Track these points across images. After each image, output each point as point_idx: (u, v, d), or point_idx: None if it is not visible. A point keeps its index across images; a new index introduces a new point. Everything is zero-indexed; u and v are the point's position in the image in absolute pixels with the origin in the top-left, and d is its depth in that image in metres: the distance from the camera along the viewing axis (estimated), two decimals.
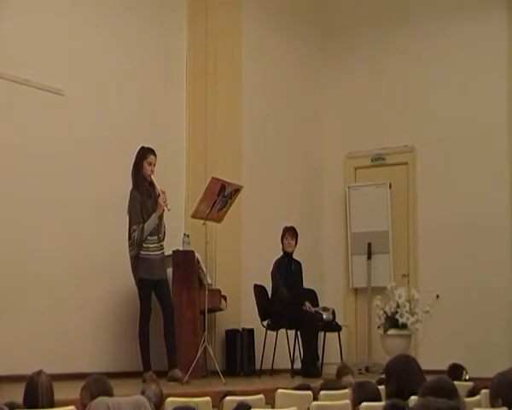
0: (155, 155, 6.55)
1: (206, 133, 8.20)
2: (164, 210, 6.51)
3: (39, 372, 3.30)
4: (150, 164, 6.51)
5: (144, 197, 6.49)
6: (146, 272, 6.45)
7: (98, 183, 7.15)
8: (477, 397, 4.34)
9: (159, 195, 6.48)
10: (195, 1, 8.36)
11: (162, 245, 6.60)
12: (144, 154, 6.55)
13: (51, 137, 6.82)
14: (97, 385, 3.36)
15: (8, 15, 6.55)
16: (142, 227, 6.41)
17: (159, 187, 6.50)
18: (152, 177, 6.50)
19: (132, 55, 7.69)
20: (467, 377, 5.12)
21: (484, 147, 8.72)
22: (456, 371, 5.01)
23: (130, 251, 6.48)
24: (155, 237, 6.51)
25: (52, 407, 3.31)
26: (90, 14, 7.27)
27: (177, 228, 7.43)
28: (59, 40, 6.95)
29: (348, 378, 4.82)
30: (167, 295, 6.61)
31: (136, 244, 6.41)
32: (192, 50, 8.33)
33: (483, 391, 4.29)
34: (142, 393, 3.57)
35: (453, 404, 2.78)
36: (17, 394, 3.40)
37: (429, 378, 3.96)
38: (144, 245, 6.44)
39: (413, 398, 3.64)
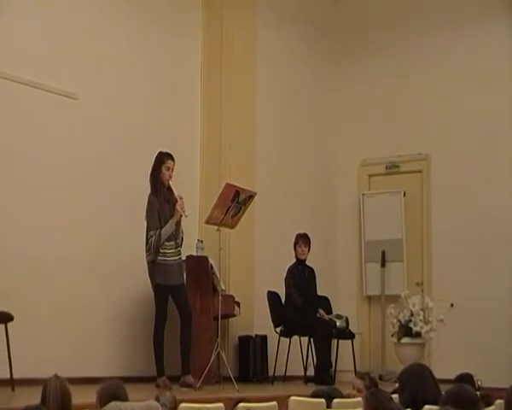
0: (173, 159, 6.57)
1: (221, 139, 8.22)
2: (181, 216, 6.53)
3: (51, 377, 3.29)
4: (168, 169, 6.53)
5: (162, 203, 6.51)
6: (163, 278, 6.46)
7: (112, 187, 7.16)
8: (491, 408, 4.31)
9: (176, 200, 6.49)
10: (210, 7, 8.38)
11: (180, 251, 6.61)
12: (162, 159, 6.56)
13: (66, 140, 6.83)
14: (112, 390, 3.37)
15: (20, 18, 6.59)
16: (159, 233, 6.42)
17: (176, 193, 6.52)
18: (170, 182, 6.52)
19: (146, 59, 7.71)
20: (479, 383, 5.06)
21: (498, 155, 8.68)
22: (464, 382, 4.93)
23: (147, 256, 6.50)
24: (173, 243, 6.52)
25: None
26: (105, 16, 7.30)
27: (191, 234, 7.44)
28: (73, 44, 6.96)
29: (357, 381, 4.80)
30: (185, 300, 6.60)
31: (153, 250, 6.42)
32: (207, 57, 8.35)
33: (497, 402, 4.25)
34: (157, 400, 3.59)
35: None
36: (31, 397, 3.42)
37: (443, 387, 3.95)
38: (161, 250, 6.45)
39: (427, 407, 3.63)
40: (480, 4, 8.91)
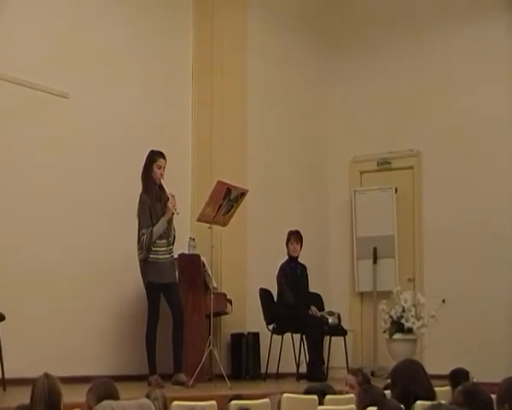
0: (165, 158, 6.57)
1: (212, 137, 8.21)
2: (173, 214, 6.52)
3: (40, 376, 3.26)
4: (160, 167, 6.53)
5: (154, 201, 6.50)
6: (155, 276, 6.46)
7: (105, 185, 7.16)
8: None
9: (168, 198, 6.49)
10: (201, 7, 8.37)
11: (171, 249, 6.61)
12: (154, 157, 6.56)
13: (63, 140, 6.83)
14: (103, 389, 3.37)
15: (16, 20, 6.57)
16: (151, 231, 6.42)
17: (168, 191, 6.51)
18: (161, 180, 6.52)
19: (138, 59, 7.69)
20: (474, 380, 5.07)
21: (490, 151, 8.71)
22: (459, 377, 4.94)
23: (139, 254, 6.49)
24: (164, 241, 6.52)
25: None
26: (97, 16, 7.29)
27: (183, 232, 7.44)
28: (65, 44, 6.96)
29: (350, 378, 4.81)
30: (177, 299, 6.60)
31: (144, 248, 6.42)
32: (198, 56, 8.34)
33: None
34: (148, 397, 3.59)
35: None
36: (23, 397, 3.41)
37: (435, 383, 3.96)
38: (153, 249, 6.45)
39: (419, 403, 3.64)
40: (479, 4, 8.91)
